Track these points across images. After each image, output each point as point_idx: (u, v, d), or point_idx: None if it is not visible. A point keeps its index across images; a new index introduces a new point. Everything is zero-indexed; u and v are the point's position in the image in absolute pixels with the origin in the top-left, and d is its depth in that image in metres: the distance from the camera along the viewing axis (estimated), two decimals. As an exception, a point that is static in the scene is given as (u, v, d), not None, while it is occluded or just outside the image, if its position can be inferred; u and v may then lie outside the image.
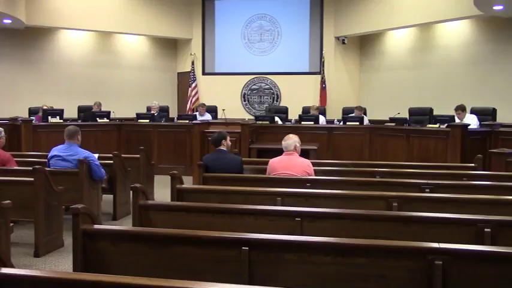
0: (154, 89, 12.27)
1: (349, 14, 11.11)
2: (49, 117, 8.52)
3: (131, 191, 3.25)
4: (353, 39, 11.61)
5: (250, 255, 2.40)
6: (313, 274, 2.36)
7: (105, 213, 5.77)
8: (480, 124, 7.54)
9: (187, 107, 11.95)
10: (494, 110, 8.10)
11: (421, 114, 8.37)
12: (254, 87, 12.01)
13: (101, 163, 5.21)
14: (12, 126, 7.92)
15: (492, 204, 3.50)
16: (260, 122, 8.79)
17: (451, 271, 2.23)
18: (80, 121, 9.21)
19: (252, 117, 10.45)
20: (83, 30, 11.27)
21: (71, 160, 5.05)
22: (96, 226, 2.68)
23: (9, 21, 9.46)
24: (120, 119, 9.60)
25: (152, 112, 9.88)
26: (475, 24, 9.41)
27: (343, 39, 11.42)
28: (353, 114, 9.17)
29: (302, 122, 8.86)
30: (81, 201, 4.49)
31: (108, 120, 9.18)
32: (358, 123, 8.61)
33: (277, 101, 11.84)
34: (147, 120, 9.32)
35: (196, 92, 12.00)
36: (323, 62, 11.31)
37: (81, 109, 10.02)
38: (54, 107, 9.26)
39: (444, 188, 4.12)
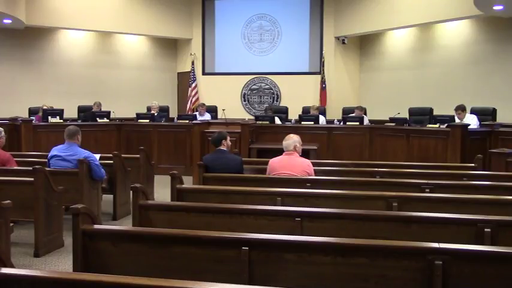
0: (154, 89, 12.28)
1: (349, 14, 11.11)
2: (49, 117, 8.52)
3: (131, 191, 3.25)
4: (353, 39, 11.60)
5: (250, 255, 2.40)
6: (313, 274, 2.36)
7: (105, 213, 5.77)
8: (480, 124, 7.54)
9: (187, 107, 11.94)
10: (494, 110, 8.10)
11: (421, 114, 8.37)
12: (254, 87, 12.01)
13: (101, 163, 5.21)
14: (12, 126, 7.92)
15: (492, 204, 3.50)
16: (260, 122, 8.79)
17: (451, 271, 2.23)
18: (80, 121, 9.21)
19: (252, 117, 10.45)
20: (83, 30, 11.28)
21: (71, 160, 5.05)
22: (96, 226, 2.68)
23: (9, 21, 9.46)
24: (120, 119, 9.60)
25: (152, 112, 9.88)
26: (475, 24, 9.40)
27: (343, 39, 11.41)
28: (353, 114, 9.16)
29: (302, 122, 8.85)
30: (81, 201, 4.50)
31: (108, 120, 9.17)
32: (358, 123, 8.61)
33: (277, 101, 11.84)
34: (147, 120, 9.32)
35: (196, 92, 12.00)
36: (323, 62, 11.31)
37: (81, 109, 10.02)
38: (54, 107, 9.25)
39: (444, 188, 4.11)
